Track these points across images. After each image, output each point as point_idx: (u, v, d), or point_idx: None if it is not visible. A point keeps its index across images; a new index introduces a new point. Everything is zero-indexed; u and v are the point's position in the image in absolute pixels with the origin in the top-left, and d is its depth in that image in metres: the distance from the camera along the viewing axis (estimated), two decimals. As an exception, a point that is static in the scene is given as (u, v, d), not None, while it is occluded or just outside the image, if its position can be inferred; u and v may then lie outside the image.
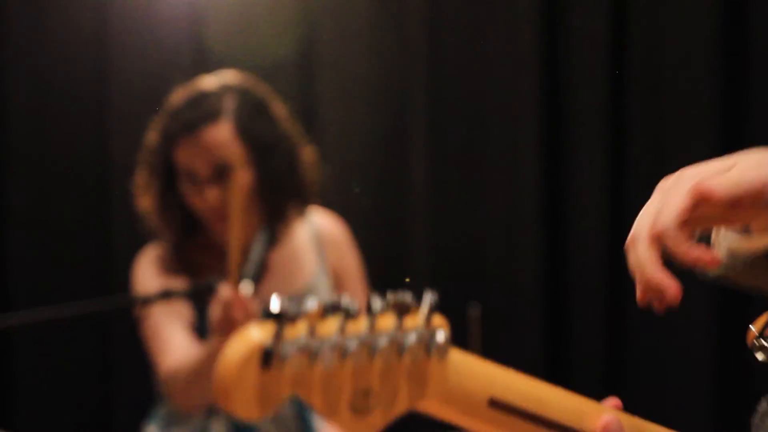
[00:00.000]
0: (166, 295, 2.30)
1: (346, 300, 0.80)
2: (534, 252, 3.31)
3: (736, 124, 3.17)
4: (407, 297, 0.83)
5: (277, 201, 2.48)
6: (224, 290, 2.26)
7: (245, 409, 0.76)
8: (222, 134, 2.42)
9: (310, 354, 0.77)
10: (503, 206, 3.37)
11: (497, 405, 0.89)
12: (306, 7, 3.49)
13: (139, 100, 3.30)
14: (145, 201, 2.52)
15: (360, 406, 0.81)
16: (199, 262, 2.50)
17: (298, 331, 0.77)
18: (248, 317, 2.23)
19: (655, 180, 3.40)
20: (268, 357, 0.76)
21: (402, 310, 0.82)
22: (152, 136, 2.50)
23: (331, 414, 0.80)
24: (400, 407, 0.83)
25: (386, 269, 3.34)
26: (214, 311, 2.26)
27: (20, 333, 3.36)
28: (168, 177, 2.48)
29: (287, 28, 3.50)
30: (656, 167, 3.21)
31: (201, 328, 2.46)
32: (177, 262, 2.50)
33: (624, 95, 3.28)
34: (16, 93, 3.43)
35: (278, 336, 0.76)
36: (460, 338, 0.89)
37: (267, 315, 0.77)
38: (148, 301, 2.34)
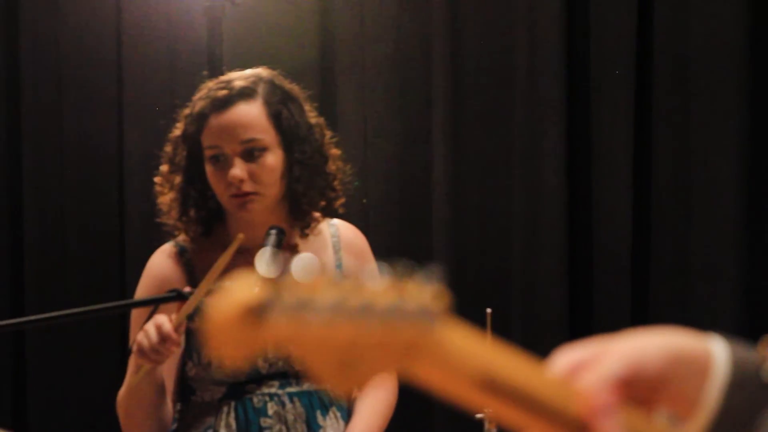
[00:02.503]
0: (177, 297, 2.27)
1: (345, 266, 0.79)
2: (558, 250, 3.29)
3: (763, 112, 3.14)
4: (409, 267, 0.81)
5: (303, 192, 2.45)
6: (165, 323, 2.19)
7: (230, 356, 0.78)
8: (254, 112, 2.40)
9: (303, 315, 0.77)
10: (526, 204, 3.35)
11: (488, 381, 0.88)
12: (326, 7, 3.48)
13: (155, 100, 3.31)
14: (165, 197, 2.49)
15: (346, 367, 0.80)
16: (215, 262, 2.47)
17: (294, 290, 0.77)
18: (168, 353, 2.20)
19: (680, 182, 3.37)
20: (258, 312, 0.76)
21: (402, 282, 0.81)
22: (178, 127, 2.48)
23: (316, 371, 0.81)
24: (387, 370, 0.83)
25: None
26: (150, 337, 2.20)
27: (33, 335, 3.36)
28: (191, 170, 2.45)
29: (307, 29, 3.50)
30: (682, 172, 3.18)
31: None
32: (191, 262, 2.48)
33: (650, 90, 3.25)
34: (33, 89, 3.45)
35: (273, 293, 0.77)
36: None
37: (264, 270, 0.77)
38: (158, 301, 2.30)
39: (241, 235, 2.17)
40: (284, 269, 0.77)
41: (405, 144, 3.51)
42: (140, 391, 2.34)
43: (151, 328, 2.17)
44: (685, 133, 3.23)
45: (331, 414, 2.47)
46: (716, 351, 1.09)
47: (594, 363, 1.02)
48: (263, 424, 2.42)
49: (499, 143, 3.44)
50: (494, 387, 0.88)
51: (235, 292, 0.77)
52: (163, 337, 2.17)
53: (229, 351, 0.77)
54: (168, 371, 2.44)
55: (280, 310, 0.77)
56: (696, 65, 3.24)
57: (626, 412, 0.96)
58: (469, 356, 0.87)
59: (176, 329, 2.17)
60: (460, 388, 0.88)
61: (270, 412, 2.42)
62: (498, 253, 3.40)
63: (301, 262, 0.78)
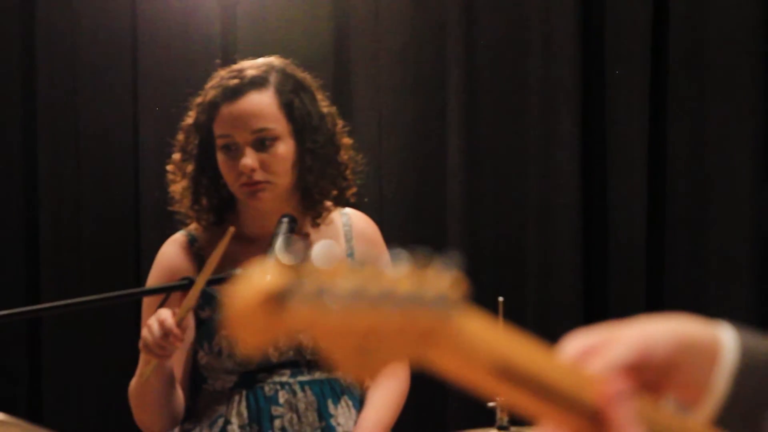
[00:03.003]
0: (189, 285, 2.27)
1: (363, 252, 0.79)
2: (572, 238, 3.28)
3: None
4: (429, 255, 0.82)
5: (315, 182, 2.45)
6: (168, 318, 2.18)
7: (250, 342, 0.78)
8: (265, 101, 2.40)
9: (323, 301, 0.78)
10: (541, 192, 3.35)
11: (502, 368, 0.88)
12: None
13: (169, 89, 3.31)
14: (177, 185, 2.49)
15: (363, 353, 0.81)
16: (226, 251, 2.47)
17: (314, 277, 0.77)
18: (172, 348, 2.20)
19: (695, 170, 3.37)
20: (280, 299, 0.76)
21: (420, 269, 0.81)
22: (190, 115, 2.48)
23: (334, 357, 0.81)
24: (403, 357, 0.83)
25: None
26: (153, 332, 2.21)
27: (48, 324, 3.38)
28: (203, 159, 2.45)
29: (321, 18, 3.50)
30: (697, 160, 3.17)
31: (212, 323, 2.44)
32: (201, 252, 2.48)
33: (665, 77, 3.24)
34: (49, 80, 3.46)
35: (293, 279, 0.76)
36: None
37: (284, 255, 0.77)
38: (169, 289, 2.31)
39: (232, 228, 2.15)
40: (303, 256, 0.77)
41: (419, 133, 3.51)
42: (150, 384, 2.35)
43: (154, 324, 2.18)
44: (700, 120, 3.22)
45: (342, 403, 2.48)
46: (725, 338, 1.09)
47: (602, 349, 1.02)
48: (274, 413, 2.42)
49: (514, 132, 3.44)
50: (509, 374, 0.88)
51: (256, 279, 0.77)
52: (166, 332, 2.17)
53: (249, 337, 0.77)
54: (178, 360, 2.45)
55: (300, 296, 0.76)
56: (712, 53, 3.23)
57: (638, 399, 0.96)
58: (486, 343, 0.87)
59: (178, 324, 2.18)
60: (475, 375, 0.88)
61: (281, 400, 2.43)
62: (512, 242, 3.40)
63: (322, 249, 0.77)
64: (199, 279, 2.14)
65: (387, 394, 2.48)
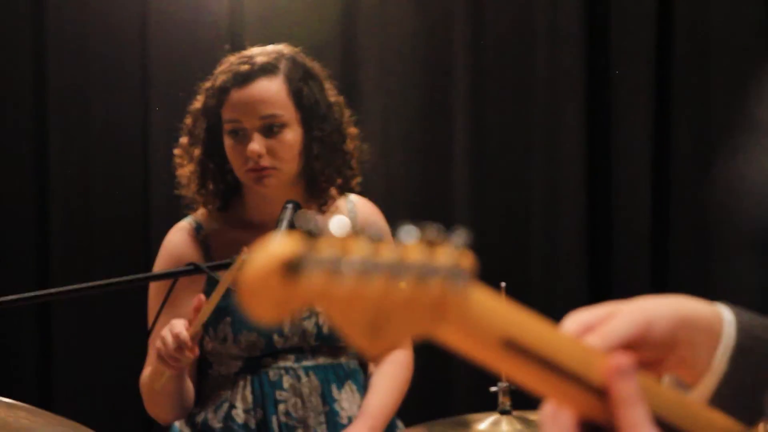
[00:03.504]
0: (195, 270, 2.28)
1: (377, 230, 0.81)
2: (577, 224, 3.29)
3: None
4: (437, 231, 0.83)
5: (321, 170, 2.46)
6: (182, 332, 2.20)
7: (263, 313, 0.79)
8: (275, 88, 2.42)
9: (336, 271, 0.79)
10: (546, 180, 3.35)
11: (511, 344, 0.90)
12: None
13: (179, 78, 3.32)
14: (185, 169, 2.50)
15: (375, 328, 0.82)
16: (234, 237, 2.49)
17: (327, 247, 0.79)
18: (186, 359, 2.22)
19: (699, 155, 3.37)
20: (294, 267, 0.78)
21: (430, 243, 0.83)
22: (199, 99, 2.49)
23: (347, 330, 0.82)
24: (415, 332, 0.84)
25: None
26: (167, 344, 2.22)
27: (59, 311, 3.39)
28: (211, 143, 2.46)
29: (329, 5, 3.50)
30: (702, 145, 3.18)
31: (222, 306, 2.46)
32: (207, 239, 2.50)
33: (670, 61, 3.25)
34: (58, 67, 3.46)
35: (307, 249, 0.78)
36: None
37: (302, 228, 0.78)
38: (176, 275, 2.32)
39: (245, 250, 2.13)
40: (317, 226, 0.78)
41: (425, 121, 3.52)
42: (165, 391, 2.38)
43: (168, 336, 2.20)
44: (705, 105, 3.22)
45: (346, 388, 2.49)
46: (725, 317, 1.11)
47: (602, 325, 1.04)
48: (279, 397, 2.44)
49: (520, 119, 3.45)
50: (517, 348, 0.90)
51: (270, 248, 0.78)
52: (180, 345, 2.19)
53: (264, 306, 0.78)
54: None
55: (314, 264, 0.78)
56: (717, 40, 3.23)
57: (641, 375, 0.98)
58: (494, 317, 0.89)
59: (192, 338, 2.20)
60: (483, 349, 0.89)
61: (285, 385, 2.44)
62: (518, 229, 3.40)
63: (335, 222, 0.79)
64: (212, 297, 2.16)
65: (390, 379, 2.50)
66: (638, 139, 3.29)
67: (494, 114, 3.45)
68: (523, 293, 3.00)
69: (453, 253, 0.83)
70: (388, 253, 0.81)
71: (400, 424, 2.57)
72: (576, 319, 1.07)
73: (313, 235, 0.78)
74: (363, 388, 2.52)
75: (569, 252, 3.31)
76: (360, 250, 0.80)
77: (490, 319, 0.88)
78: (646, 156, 3.28)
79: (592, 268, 3.33)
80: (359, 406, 2.48)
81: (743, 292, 3.10)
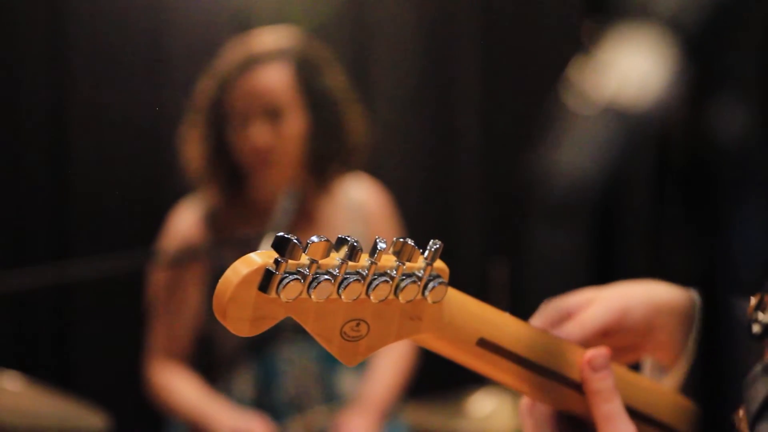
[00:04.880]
0: (197, 250, 2.30)
1: (352, 238, 0.83)
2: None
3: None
4: (410, 242, 0.86)
5: (325, 155, 2.47)
6: None
7: (238, 325, 0.81)
8: (279, 73, 2.43)
9: (309, 282, 0.81)
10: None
11: (485, 344, 0.92)
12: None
13: (191, 57, 3.32)
14: (191, 150, 2.52)
15: (351, 334, 0.84)
16: (236, 219, 2.50)
17: (299, 260, 0.81)
18: None
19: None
20: (267, 280, 0.80)
21: (403, 253, 0.85)
22: (205, 82, 2.51)
23: (322, 339, 0.84)
24: (391, 339, 0.87)
25: (438, 225, 3.35)
26: None
27: (76, 293, 3.40)
28: (217, 125, 2.47)
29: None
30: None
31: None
32: (215, 216, 2.52)
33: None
34: (77, 52, 3.47)
35: (279, 262, 0.80)
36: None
37: (275, 243, 0.80)
38: (181, 254, 2.34)
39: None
40: (292, 240, 0.81)
41: (434, 106, 3.50)
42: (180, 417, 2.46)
43: None
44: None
45: (348, 368, 2.49)
46: (698, 301, 1.14)
47: (580, 313, 1.07)
48: (282, 377, 2.46)
49: (527, 105, 3.42)
50: (491, 347, 0.93)
51: (245, 262, 0.81)
52: None
53: (240, 319, 0.81)
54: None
55: (289, 277, 0.81)
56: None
57: (615, 367, 1.00)
58: (468, 319, 0.92)
59: None
60: (459, 350, 0.92)
61: (289, 365, 2.46)
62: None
63: (313, 238, 0.81)
64: None
65: (394, 357, 2.50)
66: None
67: (502, 100, 3.44)
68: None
69: (424, 263, 0.86)
70: (363, 262, 0.84)
71: (402, 417, 2.58)
72: (554, 307, 1.10)
73: (288, 248, 0.81)
74: (365, 369, 2.51)
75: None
76: (331, 261, 0.83)
77: (464, 322, 0.91)
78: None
79: (602, 254, 3.32)
80: (360, 388, 2.48)
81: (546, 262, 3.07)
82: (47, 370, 3.21)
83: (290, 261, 0.81)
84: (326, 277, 0.82)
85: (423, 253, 0.86)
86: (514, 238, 3.25)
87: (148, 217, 3.42)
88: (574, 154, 0.50)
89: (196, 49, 3.28)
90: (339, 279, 0.83)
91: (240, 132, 2.43)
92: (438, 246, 0.87)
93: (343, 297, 0.83)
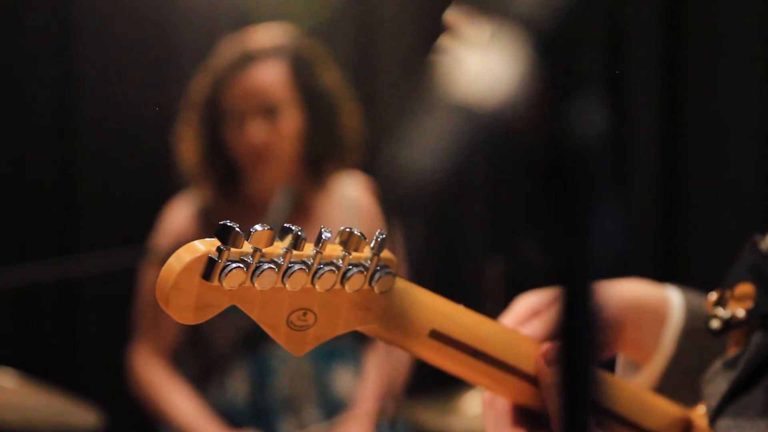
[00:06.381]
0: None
1: (297, 227, 0.83)
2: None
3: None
4: (357, 232, 0.85)
5: (320, 152, 2.47)
6: None
7: (182, 313, 0.81)
8: (275, 71, 2.44)
9: (252, 271, 0.81)
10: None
11: (437, 336, 0.92)
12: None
13: (197, 55, 3.33)
14: (186, 148, 2.52)
15: (297, 324, 0.84)
16: (231, 216, 2.49)
17: (242, 248, 0.81)
18: None
19: (707, 142, 3.32)
20: (209, 268, 0.80)
21: (350, 243, 0.85)
22: (201, 80, 2.51)
23: (269, 328, 0.85)
24: (339, 330, 0.87)
25: (437, 224, 3.34)
26: None
27: (80, 289, 3.42)
28: (212, 122, 2.48)
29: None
30: (709, 131, 3.16)
31: None
32: (209, 213, 2.52)
33: (676, 41, 3.22)
34: (84, 46, 3.48)
35: (222, 250, 0.80)
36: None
37: (217, 231, 0.80)
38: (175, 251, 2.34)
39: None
40: (236, 233, 0.81)
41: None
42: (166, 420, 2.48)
43: None
44: (712, 66, 3.17)
45: (342, 366, 2.48)
46: (672, 300, 1.13)
47: (548, 310, 1.07)
48: (275, 377, 2.46)
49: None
50: (444, 339, 0.93)
51: (188, 250, 0.81)
52: None
53: (184, 307, 0.81)
54: (174, 327, 2.50)
55: (232, 265, 0.81)
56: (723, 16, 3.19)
57: None
58: (420, 310, 0.92)
59: None
60: (411, 341, 0.92)
61: (281, 364, 2.45)
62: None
63: (256, 227, 0.82)
64: None
65: (389, 357, 2.50)
66: (644, 108, 3.25)
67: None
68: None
69: (371, 253, 0.86)
70: (308, 251, 0.84)
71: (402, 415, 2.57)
72: (523, 303, 1.10)
73: (231, 236, 0.81)
74: (359, 367, 2.50)
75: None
76: (275, 250, 0.83)
77: (414, 312, 0.91)
78: (656, 136, 3.24)
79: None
80: (354, 386, 2.47)
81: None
82: (43, 366, 3.22)
83: (233, 249, 0.81)
84: (270, 265, 0.82)
85: (370, 244, 0.86)
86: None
87: (151, 215, 3.43)
88: (419, 151, 0.51)
89: (203, 47, 3.29)
90: (283, 268, 0.83)
91: (235, 129, 2.44)
92: (384, 236, 0.87)
93: (287, 286, 0.83)
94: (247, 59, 2.43)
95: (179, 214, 2.54)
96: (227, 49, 2.49)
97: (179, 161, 2.54)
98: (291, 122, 2.44)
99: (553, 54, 0.51)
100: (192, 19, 3.46)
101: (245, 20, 3.18)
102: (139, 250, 2.61)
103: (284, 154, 2.44)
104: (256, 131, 2.41)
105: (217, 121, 2.47)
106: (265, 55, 2.44)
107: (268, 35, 2.51)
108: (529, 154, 0.53)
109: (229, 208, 2.50)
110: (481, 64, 0.50)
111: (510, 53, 0.50)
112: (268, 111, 2.42)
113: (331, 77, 2.51)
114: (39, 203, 3.46)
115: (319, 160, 2.47)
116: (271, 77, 2.43)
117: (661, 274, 3.26)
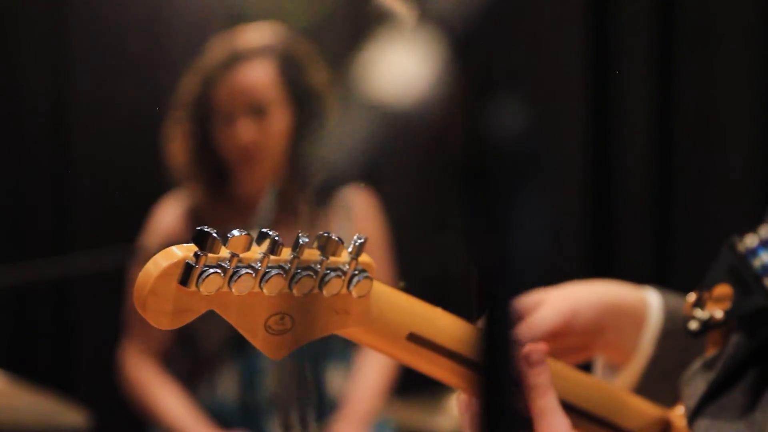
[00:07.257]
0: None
1: (274, 232, 0.84)
2: (578, 190, 3.26)
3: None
4: (334, 236, 0.86)
5: (308, 150, 2.47)
6: None
7: (159, 318, 0.81)
8: (264, 70, 2.44)
9: (229, 276, 0.82)
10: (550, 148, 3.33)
11: (416, 339, 0.92)
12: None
13: (185, 52, 3.33)
14: (175, 147, 2.52)
15: (275, 328, 0.85)
16: (220, 216, 2.50)
17: (220, 253, 0.81)
18: None
19: (702, 131, 3.31)
20: (186, 273, 0.81)
21: (327, 248, 0.86)
22: (190, 79, 2.52)
23: (247, 332, 0.85)
24: (317, 334, 0.88)
25: (429, 222, 3.35)
26: None
27: (75, 289, 3.41)
28: (201, 121, 2.48)
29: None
30: (703, 123, 3.17)
31: None
32: (198, 213, 2.52)
33: (671, 35, 3.21)
34: (76, 48, 3.48)
35: (199, 256, 0.81)
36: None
37: (194, 237, 0.80)
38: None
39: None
40: (213, 235, 0.81)
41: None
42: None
43: None
44: (707, 58, 3.17)
45: (335, 366, 2.49)
46: (651, 301, 1.14)
47: (529, 315, 1.07)
48: (266, 377, 2.46)
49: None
50: (421, 341, 0.93)
51: (165, 255, 0.82)
52: None
53: (160, 312, 0.81)
54: (161, 330, 2.49)
55: (209, 270, 0.81)
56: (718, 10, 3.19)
57: (553, 364, 1.01)
58: (397, 313, 0.92)
59: None
60: (388, 344, 0.93)
61: (273, 364, 2.44)
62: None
63: (236, 232, 0.82)
64: None
65: (380, 357, 2.50)
66: (638, 101, 3.25)
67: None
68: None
69: (348, 257, 0.87)
70: (285, 256, 0.84)
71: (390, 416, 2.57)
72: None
73: (207, 241, 0.81)
74: (350, 367, 2.50)
75: (569, 217, 3.28)
76: (253, 255, 0.83)
77: (393, 316, 0.92)
78: (649, 129, 3.23)
79: (595, 236, 3.31)
80: (346, 386, 2.47)
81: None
82: (32, 366, 3.22)
83: (211, 255, 0.82)
84: (247, 270, 0.83)
85: (347, 248, 0.87)
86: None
87: (141, 214, 3.43)
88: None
89: (194, 47, 3.28)
90: (261, 273, 0.83)
91: (224, 129, 2.44)
92: (362, 240, 0.87)
93: (264, 290, 0.84)
94: (236, 59, 2.44)
95: (169, 213, 2.54)
96: (217, 49, 2.50)
97: (168, 161, 2.54)
98: (279, 121, 2.44)
99: (470, 52, 0.51)
100: (183, 18, 3.46)
101: (236, 20, 3.19)
102: (128, 250, 2.61)
103: (273, 153, 2.44)
104: (244, 131, 2.41)
105: (206, 120, 2.47)
106: (253, 55, 2.44)
107: (257, 35, 2.52)
108: (446, 153, 0.53)
109: (219, 208, 2.51)
110: (398, 63, 0.50)
111: (426, 51, 0.50)
112: (257, 111, 2.43)
113: (320, 77, 2.52)
114: (29, 203, 3.45)
115: (308, 159, 2.47)
116: (259, 77, 2.43)
117: (653, 274, 3.29)
